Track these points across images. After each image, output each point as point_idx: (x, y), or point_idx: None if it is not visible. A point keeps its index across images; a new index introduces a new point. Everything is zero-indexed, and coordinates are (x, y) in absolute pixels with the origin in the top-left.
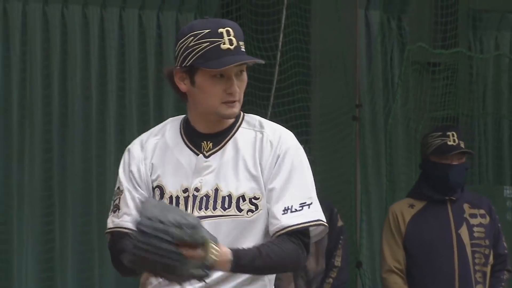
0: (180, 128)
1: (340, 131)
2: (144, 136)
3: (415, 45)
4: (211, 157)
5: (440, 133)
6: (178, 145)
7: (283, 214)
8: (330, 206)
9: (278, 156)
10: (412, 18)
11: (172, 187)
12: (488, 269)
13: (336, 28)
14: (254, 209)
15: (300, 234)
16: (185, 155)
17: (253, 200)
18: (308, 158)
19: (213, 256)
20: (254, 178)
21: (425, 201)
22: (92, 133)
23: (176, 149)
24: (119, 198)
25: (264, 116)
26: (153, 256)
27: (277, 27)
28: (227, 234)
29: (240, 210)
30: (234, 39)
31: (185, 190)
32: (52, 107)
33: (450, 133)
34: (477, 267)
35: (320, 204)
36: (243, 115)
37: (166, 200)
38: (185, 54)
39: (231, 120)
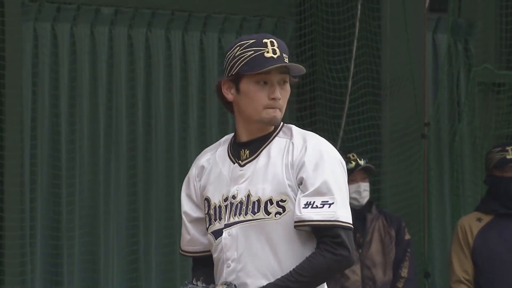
0: (229, 141)
1: (409, 148)
2: (201, 153)
3: (480, 67)
4: (246, 166)
5: (499, 148)
6: (223, 157)
7: (304, 208)
8: (398, 221)
9: (302, 157)
10: (478, 41)
11: (216, 198)
12: None
13: (405, 50)
14: (281, 211)
15: (327, 236)
16: (226, 165)
17: (280, 202)
18: (365, 166)
19: None
20: (280, 182)
21: (492, 215)
22: (175, 150)
23: (221, 161)
24: (182, 222)
25: (336, 134)
26: None
27: (348, 49)
28: (258, 237)
29: (268, 213)
30: (277, 49)
31: (226, 199)
32: (137, 125)
33: (509, 148)
34: None
35: (390, 219)
36: (282, 125)
37: (211, 211)
38: (231, 63)
39: (270, 129)
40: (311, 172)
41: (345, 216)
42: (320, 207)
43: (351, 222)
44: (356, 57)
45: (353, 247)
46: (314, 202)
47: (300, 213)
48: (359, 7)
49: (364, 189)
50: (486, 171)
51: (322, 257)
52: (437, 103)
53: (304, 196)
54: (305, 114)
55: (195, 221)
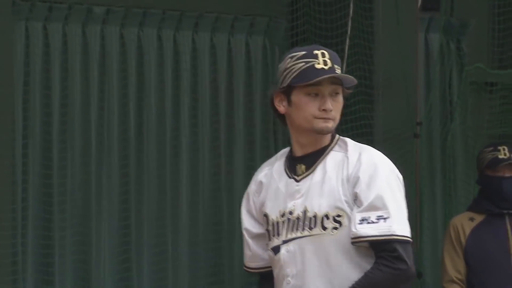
0: (286, 156)
1: (401, 148)
2: (259, 168)
3: (472, 66)
4: (302, 181)
5: (491, 148)
6: (280, 172)
7: (359, 224)
8: None
9: (357, 172)
10: (470, 40)
11: (273, 214)
12: None
13: (397, 50)
14: (338, 226)
15: (384, 251)
16: (283, 180)
17: (336, 218)
18: None
19: None
20: (336, 197)
21: (484, 214)
22: (166, 151)
23: (278, 176)
24: (243, 237)
25: None
26: None
27: (340, 48)
28: (316, 252)
29: (324, 228)
30: (328, 61)
31: (283, 215)
32: (128, 125)
33: (501, 148)
34: None
35: None
36: (338, 139)
37: (270, 227)
38: (283, 75)
39: (325, 143)
40: (365, 187)
41: (401, 229)
42: (375, 222)
43: (408, 235)
44: (349, 56)
45: (411, 259)
46: (369, 217)
47: (356, 229)
48: (351, 6)
49: None
50: (478, 171)
51: (380, 271)
52: (430, 103)
53: (359, 212)
54: None
55: (256, 237)
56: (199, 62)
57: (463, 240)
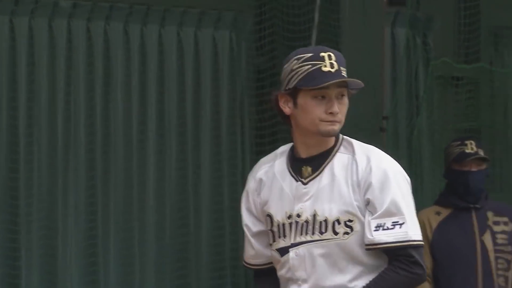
0: (287, 155)
1: (368, 142)
2: (257, 165)
3: (439, 60)
4: (309, 183)
5: (459, 142)
6: (283, 172)
7: (375, 230)
8: None
9: (368, 178)
10: (437, 34)
11: (279, 215)
12: (510, 274)
13: (364, 44)
14: (349, 231)
15: (401, 256)
16: (287, 181)
17: (347, 222)
18: None
19: None
20: (347, 202)
21: (451, 208)
22: (133, 145)
23: (281, 176)
24: (244, 234)
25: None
26: None
27: (308, 43)
28: (326, 256)
29: (336, 233)
30: (335, 63)
31: (289, 217)
32: (95, 119)
33: (468, 142)
34: (499, 272)
35: None
36: (342, 140)
37: (275, 228)
38: (288, 77)
39: (330, 144)
40: (378, 193)
41: (416, 234)
42: (391, 228)
43: (421, 238)
44: None
45: (425, 263)
46: (384, 223)
47: (372, 236)
48: (318, 0)
49: None
50: (445, 165)
51: (396, 274)
52: (396, 97)
53: (374, 219)
54: (264, 109)
55: (256, 234)
56: (165, 56)
57: (429, 234)
